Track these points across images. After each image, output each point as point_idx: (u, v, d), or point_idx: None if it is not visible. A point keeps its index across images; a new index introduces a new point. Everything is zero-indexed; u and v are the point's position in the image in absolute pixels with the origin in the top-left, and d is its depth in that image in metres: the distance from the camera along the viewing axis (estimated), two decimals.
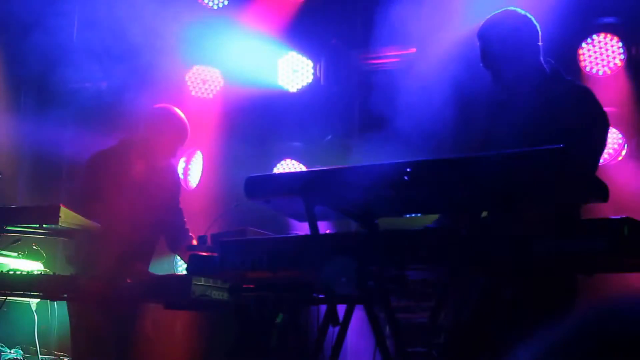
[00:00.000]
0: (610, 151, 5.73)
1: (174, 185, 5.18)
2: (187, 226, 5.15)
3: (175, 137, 4.96)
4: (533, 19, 3.65)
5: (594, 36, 5.81)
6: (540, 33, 3.63)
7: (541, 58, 3.61)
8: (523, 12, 3.66)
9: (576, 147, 3.16)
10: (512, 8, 3.68)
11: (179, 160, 6.92)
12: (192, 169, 7.22)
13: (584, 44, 5.85)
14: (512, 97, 3.60)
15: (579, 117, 3.38)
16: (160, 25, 7.41)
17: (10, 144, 7.35)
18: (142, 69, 7.53)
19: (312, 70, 6.85)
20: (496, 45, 3.59)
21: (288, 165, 6.79)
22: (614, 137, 5.73)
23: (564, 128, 3.29)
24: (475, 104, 3.83)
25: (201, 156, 7.23)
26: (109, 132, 7.00)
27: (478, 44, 3.64)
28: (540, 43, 3.61)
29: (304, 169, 6.68)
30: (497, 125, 3.65)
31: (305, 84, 6.86)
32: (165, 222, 5.04)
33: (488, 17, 3.68)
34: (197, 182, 7.18)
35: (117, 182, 4.83)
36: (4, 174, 5.16)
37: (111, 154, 4.94)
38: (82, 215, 4.37)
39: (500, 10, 3.69)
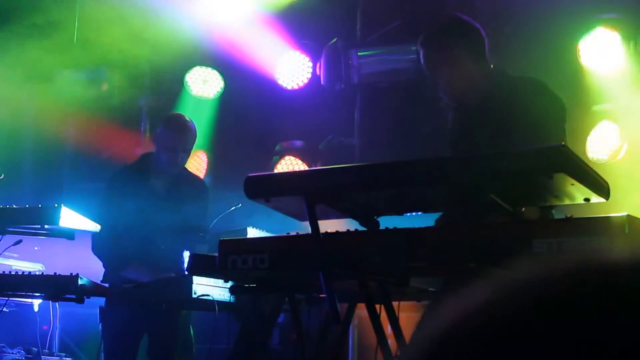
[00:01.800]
0: (612, 149, 5.72)
1: (197, 195, 5.16)
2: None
3: (173, 140, 4.96)
4: (475, 24, 3.66)
5: (594, 31, 5.79)
6: (484, 39, 3.63)
7: (486, 62, 3.63)
8: (466, 18, 3.69)
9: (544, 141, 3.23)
10: (455, 14, 3.71)
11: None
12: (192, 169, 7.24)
13: (583, 39, 5.84)
14: (461, 103, 3.63)
15: (538, 113, 3.41)
16: (163, 25, 7.42)
17: (12, 144, 7.36)
18: (145, 69, 7.55)
19: (311, 69, 6.85)
20: (438, 52, 3.59)
21: (290, 161, 6.79)
22: (614, 134, 5.72)
23: (527, 125, 3.33)
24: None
25: (205, 156, 7.24)
26: (111, 133, 7.02)
27: (420, 52, 3.65)
28: (485, 48, 3.62)
29: (305, 167, 6.69)
30: (469, 132, 3.69)
31: (305, 83, 6.87)
32: (186, 232, 5.06)
33: (430, 25, 3.70)
34: None
35: (137, 195, 4.88)
36: (5, 174, 5.16)
37: (133, 168, 5.05)
38: (103, 226, 4.43)
39: (441, 18, 3.72)
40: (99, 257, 4.90)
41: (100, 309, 4.74)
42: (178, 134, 4.98)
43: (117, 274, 4.72)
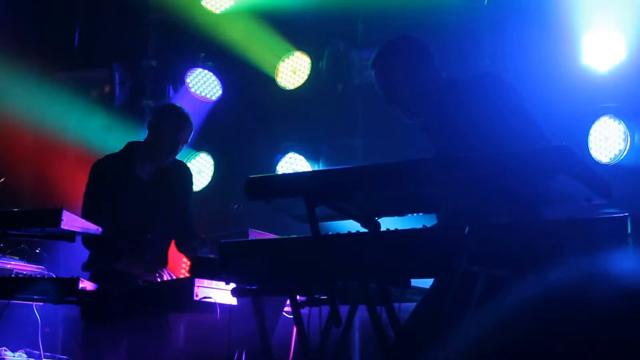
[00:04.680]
0: (618, 150, 5.68)
1: (183, 185, 5.17)
2: (196, 226, 5.16)
3: (175, 131, 4.96)
4: (420, 40, 3.69)
5: (596, 31, 5.77)
6: (429, 51, 3.67)
7: (434, 74, 3.66)
8: (413, 35, 3.71)
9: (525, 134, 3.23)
10: (401, 35, 3.74)
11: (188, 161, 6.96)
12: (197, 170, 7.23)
13: (585, 38, 5.81)
14: (427, 117, 3.64)
15: (493, 104, 3.42)
16: (166, 27, 7.43)
17: (13, 146, 7.35)
18: (145, 72, 7.54)
19: (312, 69, 6.85)
20: (389, 73, 3.64)
21: (293, 158, 6.78)
22: (619, 134, 5.69)
23: (496, 123, 3.33)
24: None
25: (210, 158, 7.23)
26: (112, 135, 7.02)
27: (372, 71, 3.71)
28: (432, 59, 3.66)
29: (307, 165, 6.68)
30: (431, 145, 3.70)
31: (308, 83, 6.86)
32: (173, 222, 5.05)
33: (380, 47, 3.72)
34: (203, 184, 7.19)
35: (122, 184, 4.88)
36: (6, 177, 5.16)
37: (117, 157, 5.01)
38: (89, 218, 4.40)
39: (389, 39, 3.73)
40: (88, 248, 4.85)
41: (83, 306, 4.66)
42: (183, 126, 4.99)
43: (108, 266, 4.65)
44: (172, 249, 5.18)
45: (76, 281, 4.20)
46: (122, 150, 5.07)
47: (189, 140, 5.11)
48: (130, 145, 5.08)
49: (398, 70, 3.63)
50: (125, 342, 4.74)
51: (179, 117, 5.02)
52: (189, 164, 7.16)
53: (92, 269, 4.79)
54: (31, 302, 5.21)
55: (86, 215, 4.64)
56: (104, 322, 4.58)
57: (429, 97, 3.62)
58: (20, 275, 4.50)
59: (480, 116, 3.39)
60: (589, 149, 5.70)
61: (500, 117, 3.36)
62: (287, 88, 6.93)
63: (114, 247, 4.73)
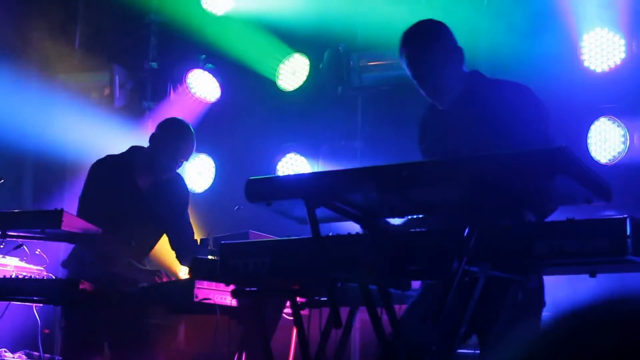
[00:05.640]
0: (617, 151, 5.68)
1: (180, 199, 5.15)
2: (195, 238, 5.14)
3: (176, 149, 4.93)
4: (447, 26, 3.61)
5: (595, 32, 5.77)
6: (456, 39, 3.59)
7: (463, 63, 3.57)
8: (438, 20, 3.64)
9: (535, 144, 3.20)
10: (428, 18, 3.65)
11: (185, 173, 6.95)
12: (191, 172, 7.23)
13: (584, 39, 5.81)
14: (449, 105, 3.56)
15: (525, 115, 3.36)
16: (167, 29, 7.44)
17: (13, 148, 7.35)
18: (146, 74, 7.55)
19: (311, 71, 6.85)
20: (421, 55, 3.51)
21: (293, 160, 6.78)
22: (619, 136, 5.69)
23: (515, 129, 3.27)
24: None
25: (210, 159, 7.23)
26: (113, 137, 7.02)
27: (403, 55, 3.56)
28: (461, 51, 3.57)
29: (306, 165, 6.69)
30: (444, 135, 3.60)
31: (307, 85, 6.86)
32: (168, 234, 5.04)
33: (408, 29, 3.59)
34: (203, 185, 7.19)
35: (118, 187, 4.85)
36: (6, 179, 5.16)
37: (118, 160, 4.98)
38: (82, 216, 4.39)
39: (417, 22, 3.63)
40: (86, 248, 4.83)
41: (64, 307, 4.65)
42: (185, 144, 4.97)
43: (103, 270, 4.63)
44: (168, 251, 5.17)
45: (77, 282, 4.20)
46: (124, 154, 5.03)
47: (189, 158, 5.10)
48: (133, 150, 5.04)
49: (436, 51, 3.50)
50: (106, 346, 4.71)
51: (181, 134, 4.98)
52: (189, 165, 7.19)
53: (74, 268, 4.73)
54: (31, 303, 5.22)
55: (83, 215, 4.64)
56: (85, 324, 4.56)
57: (455, 87, 3.52)
58: (20, 276, 4.49)
59: (504, 123, 3.30)
60: (589, 149, 5.69)
61: (522, 132, 3.27)
62: (287, 89, 6.94)
63: (117, 250, 4.71)
